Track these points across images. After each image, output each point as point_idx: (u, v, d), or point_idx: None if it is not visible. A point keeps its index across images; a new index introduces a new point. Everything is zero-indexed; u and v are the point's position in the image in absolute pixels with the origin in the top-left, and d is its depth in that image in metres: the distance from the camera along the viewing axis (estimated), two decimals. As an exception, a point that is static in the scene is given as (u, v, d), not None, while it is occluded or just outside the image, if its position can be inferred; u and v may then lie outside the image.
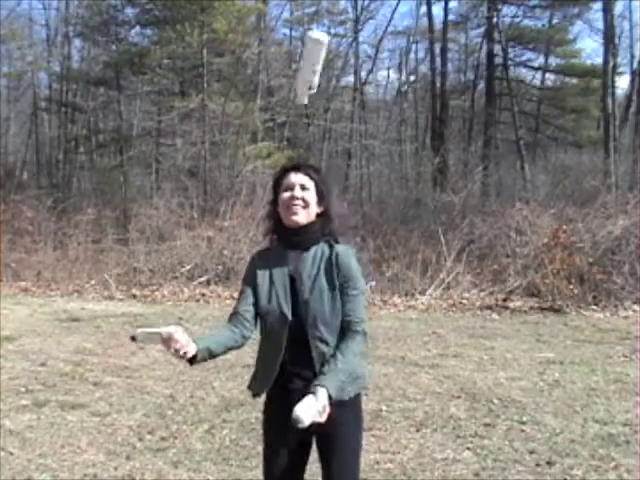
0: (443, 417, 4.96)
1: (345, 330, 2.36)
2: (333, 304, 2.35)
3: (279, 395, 2.41)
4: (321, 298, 2.34)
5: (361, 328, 2.36)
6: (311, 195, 2.42)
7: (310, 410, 2.14)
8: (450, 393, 5.57)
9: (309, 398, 2.17)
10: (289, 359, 2.38)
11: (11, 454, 4.27)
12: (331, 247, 2.43)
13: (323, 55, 2.43)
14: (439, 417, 4.96)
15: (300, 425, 2.11)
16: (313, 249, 2.42)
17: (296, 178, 2.43)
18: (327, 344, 2.34)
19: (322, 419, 2.16)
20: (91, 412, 5.12)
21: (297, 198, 2.39)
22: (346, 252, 2.43)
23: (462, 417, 4.96)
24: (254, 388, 2.50)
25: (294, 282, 2.40)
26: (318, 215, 2.45)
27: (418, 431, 4.67)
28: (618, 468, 4.00)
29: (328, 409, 2.18)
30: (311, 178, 2.44)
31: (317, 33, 2.44)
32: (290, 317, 2.35)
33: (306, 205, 2.40)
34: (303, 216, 2.41)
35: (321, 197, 2.45)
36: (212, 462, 4.15)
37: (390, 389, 5.67)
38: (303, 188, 2.41)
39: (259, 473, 3.99)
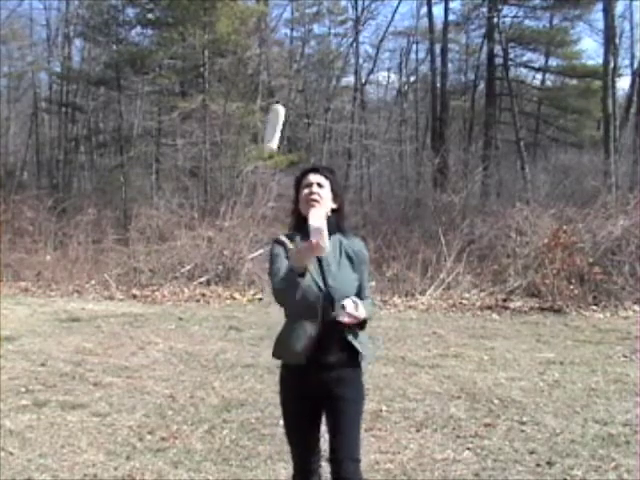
0: (443, 417, 4.95)
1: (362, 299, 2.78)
2: (353, 282, 2.76)
3: (312, 362, 2.69)
4: (347, 276, 2.75)
5: (372, 300, 2.94)
6: (326, 192, 2.79)
7: (350, 305, 2.63)
8: (450, 393, 5.57)
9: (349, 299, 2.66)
10: (323, 329, 2.68)
11: (11, 454, 4.27)
12: (347, 238, 2.84)
13: (281, 121, 3.20)
14: (439, 417, 4.96)
15: (340, 315, 2.62)
16: (331, 238, 2.68)
17: (314, 177, 2.81)
18: None
19: (358, 315, 2.63)
20: (91, 412, 5.12)
21: (314, 193, 2.76)
22: (362, 244, 2.91)
23: (462, 417, 4.95)
24: (291, 357, 2.73)
25: (320, 262, 2.71)
26: (333, 210, 2.81)
27: (418, 431, 4.67)
28: (618, 468, 4.00)
29: (359, 314, 2.65)
30: (326, 178, 2.82)
31: (278, 106, 3.24)
32: (324, 288, 2.68)
33: (322, 200, 2.76)
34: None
35: (335, 195, 2.83)
36: (212, 462, 4.15)
37: (390, 389, 5.67)
38: (319, 186, 2.78)
39: (259, 473, 4.01)
